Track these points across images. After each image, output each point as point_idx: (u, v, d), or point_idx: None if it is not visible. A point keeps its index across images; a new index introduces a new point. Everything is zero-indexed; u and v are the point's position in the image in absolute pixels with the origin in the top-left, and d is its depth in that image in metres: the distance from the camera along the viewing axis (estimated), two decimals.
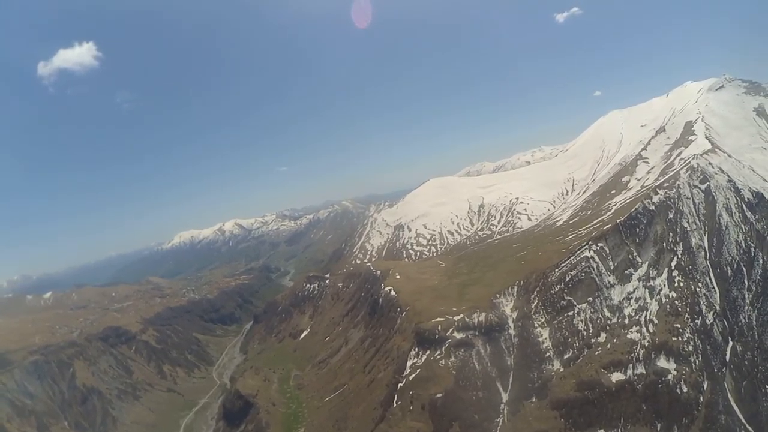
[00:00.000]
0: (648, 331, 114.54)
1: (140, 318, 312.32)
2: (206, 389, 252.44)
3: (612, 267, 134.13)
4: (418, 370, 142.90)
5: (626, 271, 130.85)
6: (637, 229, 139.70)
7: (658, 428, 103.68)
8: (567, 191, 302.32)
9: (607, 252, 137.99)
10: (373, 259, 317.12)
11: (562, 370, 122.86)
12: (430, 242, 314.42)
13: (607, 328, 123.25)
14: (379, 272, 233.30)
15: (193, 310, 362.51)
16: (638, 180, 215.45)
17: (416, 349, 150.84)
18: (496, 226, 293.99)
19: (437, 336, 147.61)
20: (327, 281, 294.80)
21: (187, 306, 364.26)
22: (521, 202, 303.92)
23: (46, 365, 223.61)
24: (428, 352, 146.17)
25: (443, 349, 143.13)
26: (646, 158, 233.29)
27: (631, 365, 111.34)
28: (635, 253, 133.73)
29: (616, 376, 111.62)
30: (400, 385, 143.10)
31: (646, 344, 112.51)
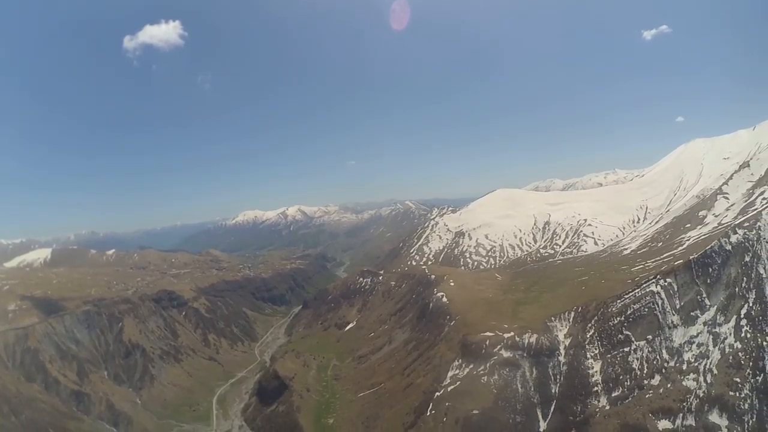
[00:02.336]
0: (705, 381, 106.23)
1: (194, 286, 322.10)
2: (246, 364, 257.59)
3: (678, 306, 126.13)
4: (458, 383, 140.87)
5: (692, 313, 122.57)
6: (710, 269, 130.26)
7: None
8: (638, 219, 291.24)
9: (675, 289, 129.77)
10: (429, 263, 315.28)
11: (608, 407, 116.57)
12: (489, 253, 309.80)
13: (663, 371, 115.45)
14: (433, 277, 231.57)
15: (246, 286, 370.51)
16: (716, 216, 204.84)
17: (460, 360, 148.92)
18: (560, 246, 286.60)
19: (483, 351, 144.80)
20: (380, 278, 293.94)
21: (241, 281, 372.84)
22: (589, 225, 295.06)
23: (97, 316, 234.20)
24: (471, 366, 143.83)
25: (488, 365, 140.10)
26: (726, 194, 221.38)
27: (681, 415, 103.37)
28: (704, 295, 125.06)
29: (664, 424, 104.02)
30: (437, 394, 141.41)
31: (701, 395, 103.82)
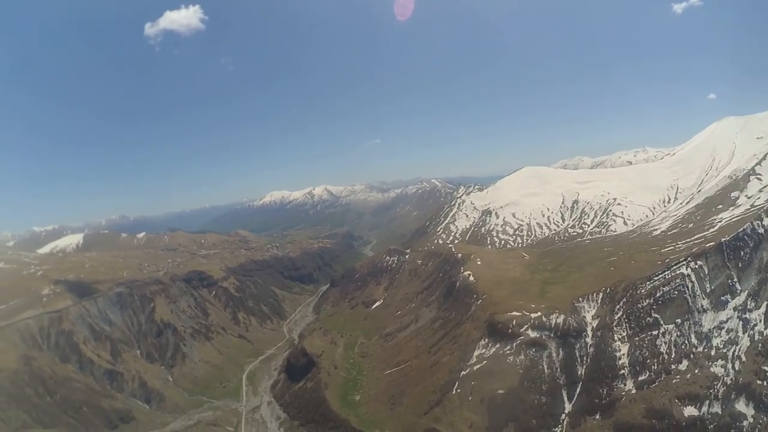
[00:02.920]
0: (733, 368, 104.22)
1: (224, 266, 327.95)
2: (275, 341, 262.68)
3: (708, 290, 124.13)
4: (484, 362, 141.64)
5: (722, 297, 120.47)
6: (742, 253, 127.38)
7: None
8: (669, 199, 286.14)
9: (706, 272, 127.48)
10: (456, 241, 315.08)
11: (634, 391, 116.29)
12: (516, 232, 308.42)
13: (691, 356, 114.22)
14: (460, 255, 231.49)
15: (274, 265, 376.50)
16: (748, 198, 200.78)
17: (486, 339, 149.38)
18: (589, 226, 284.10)
19: (510, 330, 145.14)
20: (407, 256, 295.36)
21: (269, 261, 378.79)
22: (618, 204, 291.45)
23: (129, 297, 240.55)
24: (498, 346, 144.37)
25: (514, 345, 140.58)
26: (759, 174, 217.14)
27: (707, 402, 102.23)
28: (735, 279, 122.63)
29: (689, 411, 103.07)
30: (463, 373, 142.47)
31: (728, 382, 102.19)
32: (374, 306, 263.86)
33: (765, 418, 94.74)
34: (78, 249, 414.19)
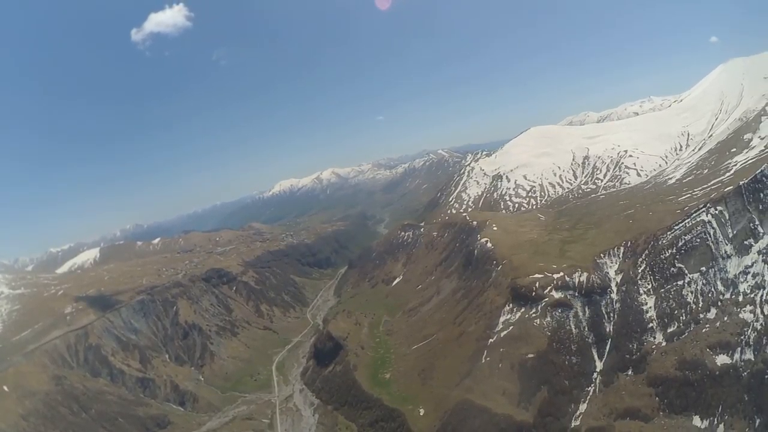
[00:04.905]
0: (763, 312, 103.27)
1: (241, 261, 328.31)
2: (300, 329, 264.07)
3: (730, 235, 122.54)
4: (511, 328, 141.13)
5: (745, 242, 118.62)
6: (761, 195, 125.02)
7: (757, 424, 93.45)
8: (681, 146, 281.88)
9: (726, 218, 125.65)
10: (469, 210, 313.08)
11: (664, 344, 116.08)
12: (529, 194, 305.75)
13: (719, 303, 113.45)
14: (475, 223, 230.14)
15: (291, 253, 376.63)
16: (761, 139, 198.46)
17: (510, 305, 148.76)
18: (602, 180, 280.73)
19: (534, 293, 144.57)
20: (421, 230, 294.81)
21: (285, 250, 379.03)
22: (630, 156, 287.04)
23: (151, 304, 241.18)
24: (523, 310, 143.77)
25: (539, 308, 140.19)
26: None
27: (739, 349, 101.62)
28: (757, 222, 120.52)
29: (722, 359, 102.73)
30: (490, 341, 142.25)
31: (759, 327, 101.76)
32: (394, 283, 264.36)
33: None
34: (96, 263, 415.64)
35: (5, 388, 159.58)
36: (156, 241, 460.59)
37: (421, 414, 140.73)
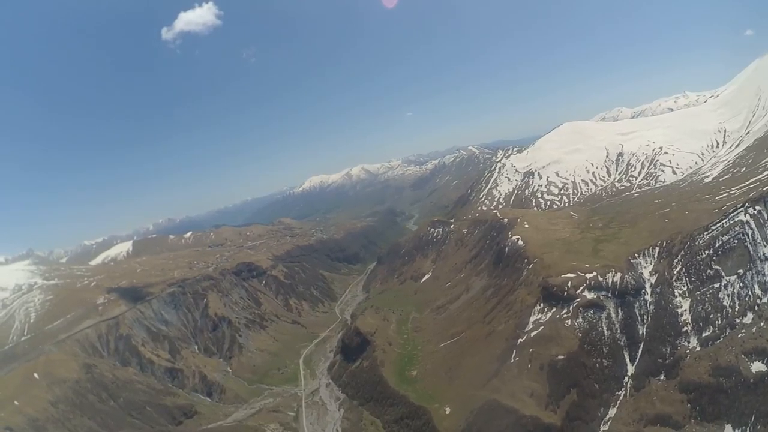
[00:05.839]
0: None
1: (271, 255, 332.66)
2: (328, 323, 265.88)
3: None
4: (541, 328, 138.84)
5: None
6: None
7: None
8: (717, 143, 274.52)
9: (765, 218, 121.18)
10: (500, 206, 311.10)
11: (698, 349, 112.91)
12: (561, 191, 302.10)
13: (756, 308, 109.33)
14: (506, 220, 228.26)
15: (320, 249, 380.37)
16: None
17: (541, 304, 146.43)
18: (636, 178, 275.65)
19: (565, 293, 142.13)
20: (451, 227, 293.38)
21: (314, 245, 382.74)
22: (665, 153, 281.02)
23: (182, 296, 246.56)
24: (554, 310, 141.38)
25: (571, 308, 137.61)
26: None
27: None
28: None
29: (757, 366, 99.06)
30: (519, 340, 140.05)
31: None
32: (423, 279, 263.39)
33: None
34: (128, 256, 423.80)
35: (36, 375, 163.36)
36: (187, 235, 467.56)
37: (447, 413, 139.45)
